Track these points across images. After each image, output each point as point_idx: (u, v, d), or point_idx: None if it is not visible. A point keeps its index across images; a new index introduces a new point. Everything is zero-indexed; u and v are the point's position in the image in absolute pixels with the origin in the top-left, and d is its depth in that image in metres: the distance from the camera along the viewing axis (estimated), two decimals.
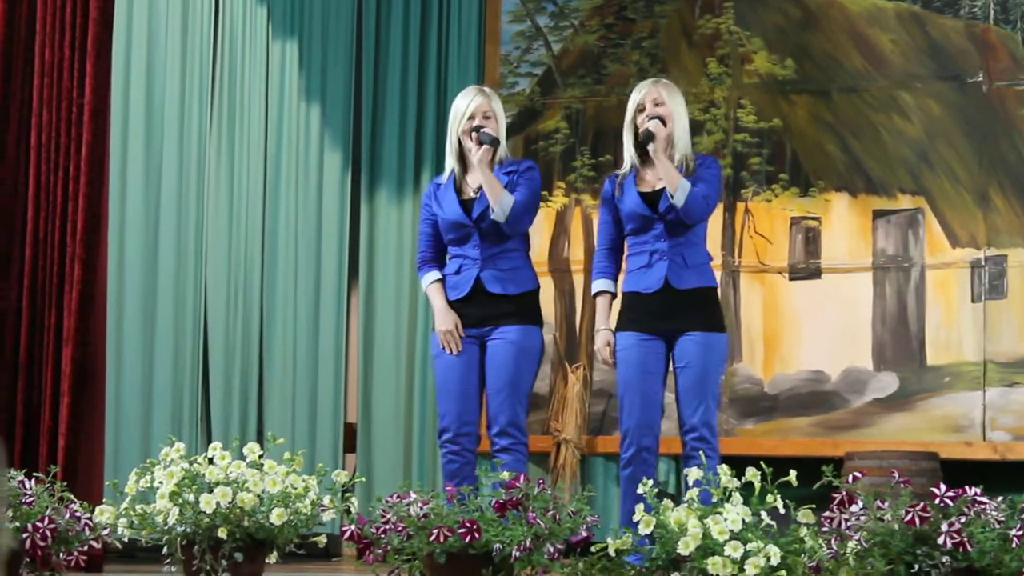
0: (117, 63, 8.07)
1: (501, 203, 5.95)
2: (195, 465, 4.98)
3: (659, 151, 5.92)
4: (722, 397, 8.24)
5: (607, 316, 6.14)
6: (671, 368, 5.99)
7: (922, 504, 4.39)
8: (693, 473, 4.69)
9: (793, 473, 4.63)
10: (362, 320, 8.89)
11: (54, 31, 7.38)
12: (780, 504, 4.55)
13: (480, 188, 6.04)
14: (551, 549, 4.72)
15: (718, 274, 7.02)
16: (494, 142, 6.02)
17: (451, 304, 6.08)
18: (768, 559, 4.36)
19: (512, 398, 5.96)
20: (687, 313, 5.93)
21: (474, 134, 6.02)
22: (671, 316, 5.93)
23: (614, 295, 6.14)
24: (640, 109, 6.03)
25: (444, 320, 6.06)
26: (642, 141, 5.97)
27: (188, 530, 4.90)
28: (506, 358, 5.97)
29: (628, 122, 6.07)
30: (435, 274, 6.16)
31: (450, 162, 6.15)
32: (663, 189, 5.95)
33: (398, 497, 4.85)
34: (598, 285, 6.18)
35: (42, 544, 4.86)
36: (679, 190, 5.87)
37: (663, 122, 5.96)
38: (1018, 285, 7.94)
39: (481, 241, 6.04)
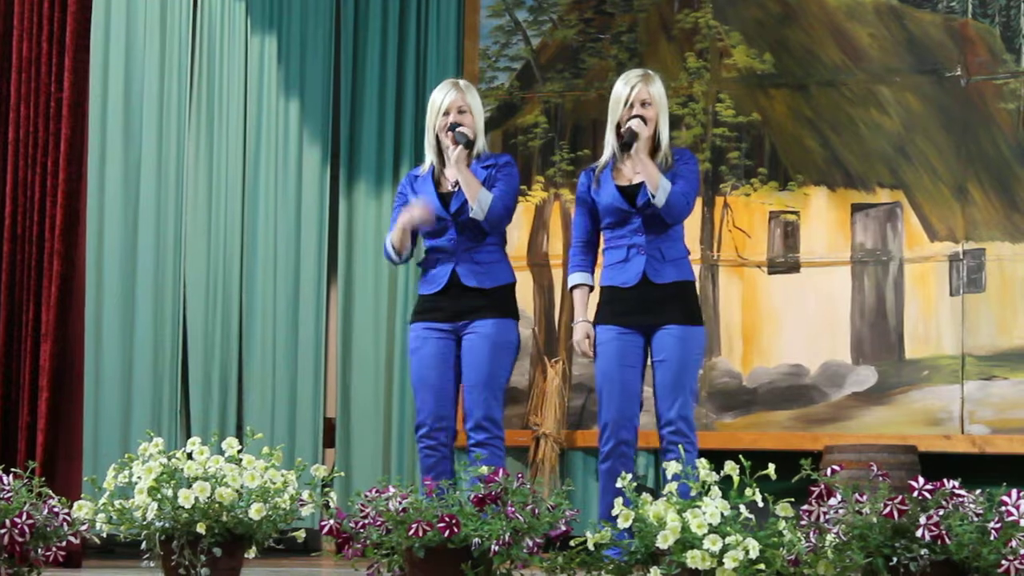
0: (95, 57, 8.04)
1: (480, 201, 5.94)
2: (174, 460, 4.97)
3: (641, 150, 5.92)
4: (701, 391, 8.26)
5: (585, 308, 6.15)
6: (649, 362, 6.01)
7: (900, 497, 4.39)
8: (672, 467, 4.70)
9: (772, 467, 4.63)
10: (341, 314, 8.88)
11: (31, 25, 7.35)
12: (759, 498, 4.55)
13: (458, 182, 6.02)
14: (530, 543, 4.71)
15: (697, 268, 7.02)
16: (469, 144, 6.01)
17: (426, 298, 6.09)
18: (747, 552, 4.36)
19: (487, 392, 5.96)
20: (664, 307, 5.94)
21: (450, 133, 6.01)
22: (648, 310, 5.94)
23: (591, 288, 6.15)
24: (628, 105, 6.01)
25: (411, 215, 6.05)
26: (627, 141, 5.95)
27: (167, 525, 4.89)
28: (481, 353, 5.97)
29: (612, 114, 6.05)
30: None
31: (429, 156, 6.14)
32: (641, 183, 5.95)
33: (377, 492, 4.84)
34: (575, 279, 6.18)
35: (20, 540, 4.84)
36: (660, 190, 5.87)
37: (644, 122, 5.96)
38: (996, 279, 7.96)
39: (458, 235, 6.04)
